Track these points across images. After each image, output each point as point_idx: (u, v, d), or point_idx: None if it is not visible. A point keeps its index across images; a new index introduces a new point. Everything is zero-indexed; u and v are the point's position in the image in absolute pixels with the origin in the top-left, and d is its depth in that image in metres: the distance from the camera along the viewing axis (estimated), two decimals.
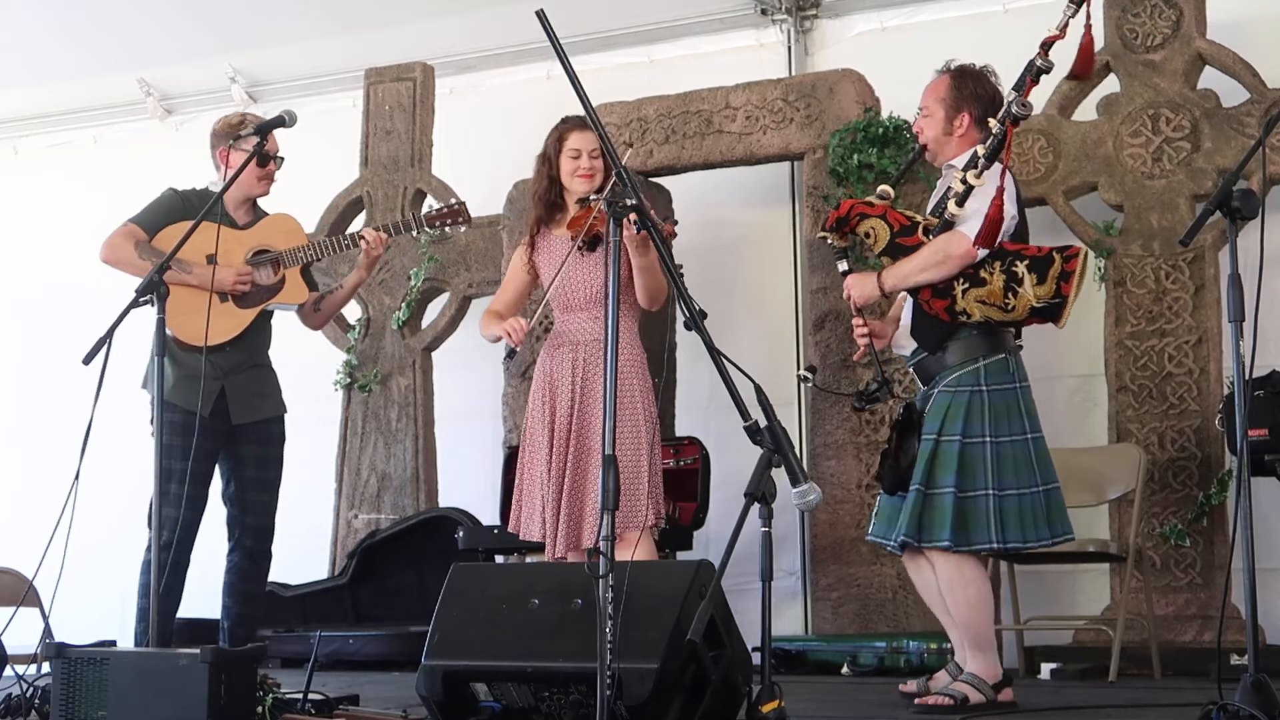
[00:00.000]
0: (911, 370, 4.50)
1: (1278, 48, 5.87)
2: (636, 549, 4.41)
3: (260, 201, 5.21)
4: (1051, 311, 4.16)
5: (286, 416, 5.17)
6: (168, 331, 4.89)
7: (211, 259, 4.84)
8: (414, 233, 5.55)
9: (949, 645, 4.48)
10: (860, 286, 4.36)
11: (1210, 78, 5.88)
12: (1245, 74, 5.77)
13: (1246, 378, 3.49)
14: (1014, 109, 4.16)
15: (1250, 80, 5.76)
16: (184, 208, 5.04)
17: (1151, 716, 4.13)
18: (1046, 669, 5.52)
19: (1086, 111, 6.05)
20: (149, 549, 4.84)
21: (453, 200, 5.37)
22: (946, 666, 4.43)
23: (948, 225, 4.20)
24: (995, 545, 4.17)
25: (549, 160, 4.72)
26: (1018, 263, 4.15)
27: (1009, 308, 4.16)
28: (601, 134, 3.56)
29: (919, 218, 4.32)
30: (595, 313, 4.54)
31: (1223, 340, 5.63)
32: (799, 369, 6.41)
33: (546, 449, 4.57)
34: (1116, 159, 5.91)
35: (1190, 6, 5.86)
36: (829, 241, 4.44)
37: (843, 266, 4.44)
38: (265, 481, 5.05)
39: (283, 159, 5.12)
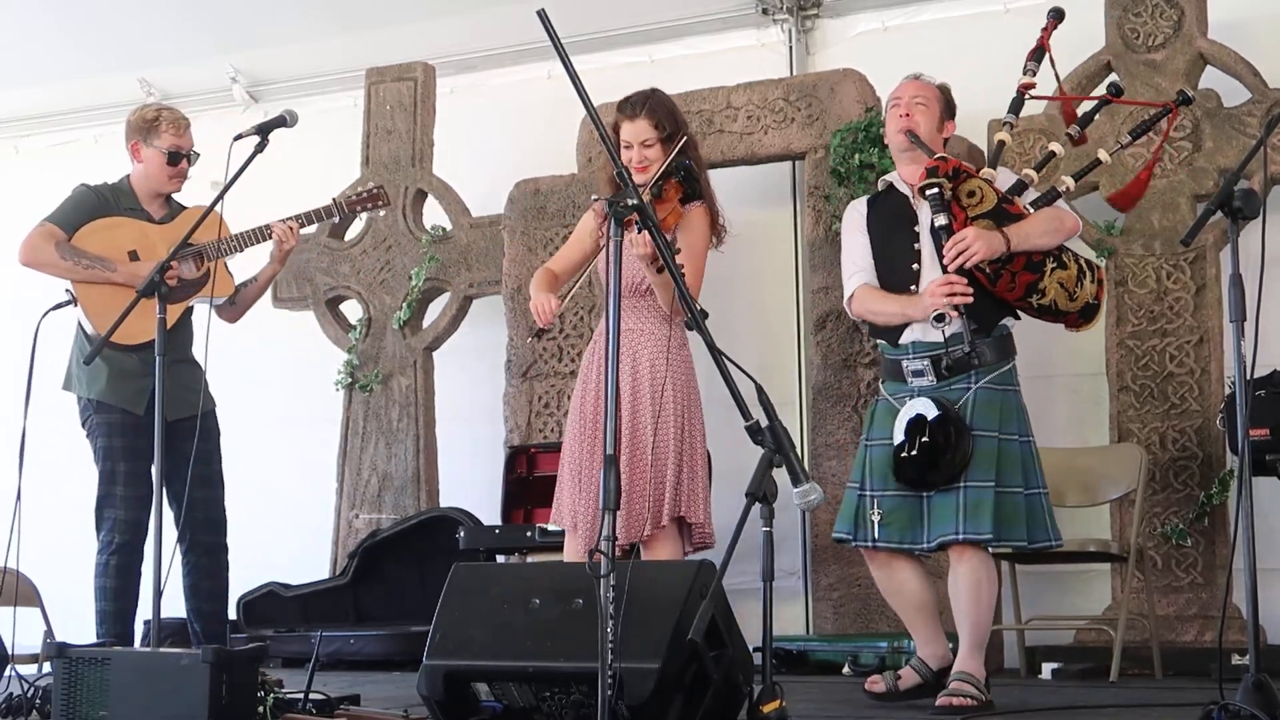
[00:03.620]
0: (930, 361, 4.25)
1: (1279, 47, 5.87)
2: (667, 546, 4.35)
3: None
4: (1091, 312, 4.35)
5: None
6: (91, 330, 4.91)
7: (134, 255, 4.83)
8: (335, 219, 5.50)
9: (951, 645, 4.47)
10: (988, 240, 4.16)
11: (1211, 77, 5.87)
12: (1246, 74, 5.76)
13: (1248, 377, 3.50)
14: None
15: (1251, 80, 5.75)
16: (98, 203, 5.04)
17: (1152, 716, 4.13)
18: (1048, 669, 5.53)
19: None
20: (100, 552, 4.89)
21: (370, 185, 5.37)
22: (911, 663, 4.44)
23: (1055, 196, 4.34)
24: (1025, 543, 4.22)
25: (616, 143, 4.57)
26: (1080, 259, 4.34)
27: (1074, 296, 4.29)
28: (603, 134, 3.55)
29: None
30: (634, 302, 4.47)
31: (1224, 340, 5.63)
32: (799, 368, 6.43)
33: (582, 439, 4.52)
34: (1118, 158, 5.89)
35: (1191, 6, 5.86)
36: (937, 190, 4.20)
37: (941, 220, 4.21)
38: (208, 477, 5.00)
39: (198, 155, 5.05)
